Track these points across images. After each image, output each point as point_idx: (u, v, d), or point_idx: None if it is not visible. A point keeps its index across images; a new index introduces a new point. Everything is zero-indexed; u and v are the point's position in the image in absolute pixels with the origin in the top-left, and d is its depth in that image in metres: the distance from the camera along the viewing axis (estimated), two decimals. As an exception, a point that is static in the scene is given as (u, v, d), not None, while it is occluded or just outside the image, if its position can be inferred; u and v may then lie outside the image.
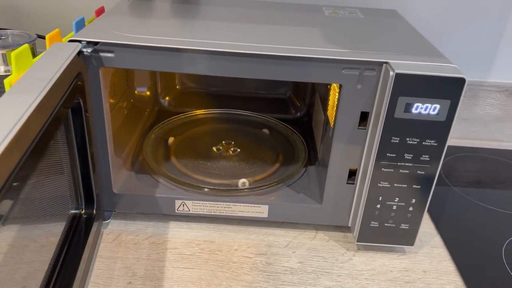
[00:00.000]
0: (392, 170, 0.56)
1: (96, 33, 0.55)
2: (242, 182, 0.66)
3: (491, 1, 0.83)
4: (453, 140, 0.91)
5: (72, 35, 0.56)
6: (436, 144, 0.54)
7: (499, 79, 0.90)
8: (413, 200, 0.58)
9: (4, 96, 0.39)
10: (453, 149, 0.88)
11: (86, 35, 0.53)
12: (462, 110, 0.91)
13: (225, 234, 0.64)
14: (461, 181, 0.80)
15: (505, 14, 0.84)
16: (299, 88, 0.89)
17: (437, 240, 0.66)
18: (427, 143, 0.54)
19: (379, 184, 0.57)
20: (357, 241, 0.61)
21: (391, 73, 0.50)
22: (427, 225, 0.69)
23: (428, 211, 0.71)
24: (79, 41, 0.52)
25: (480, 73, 0.89)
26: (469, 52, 0.87)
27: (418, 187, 0.57)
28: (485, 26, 0.85)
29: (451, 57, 0.88)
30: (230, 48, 0.52)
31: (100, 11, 0.67)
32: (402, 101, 0.51)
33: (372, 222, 0.60)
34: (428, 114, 0.52)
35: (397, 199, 0.58)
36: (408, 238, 0.61)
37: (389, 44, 0.58)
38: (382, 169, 0.56)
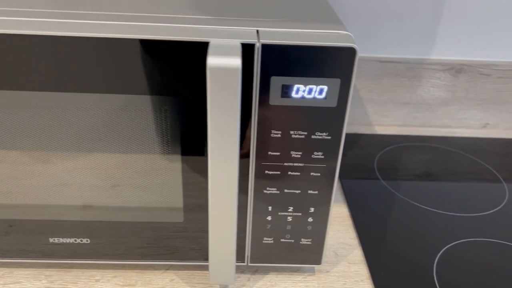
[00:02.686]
0: (279, 172, 0.43)
1: None
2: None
3: (428, -37, 0.70)
4: (393, 128, 0.79)
5: None
6: (329, 137, 0.41)
7: (443, 56, 0.77)
8: (311, 209, 0.45)
9: None
10: (392, 138, 0.76)
11: None
12: (403, 93, 0.79)
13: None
14: (397, 178, 0.67)
15: (444, -21, 0.72)
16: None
17: (357, 254, 0.53)
18: (317, 137, 0.41)
19: (265, 191, 0.44)
20: (249, 263, 0.48)
21: (257, 44, 0.37)
22: (347, 234, 0.56)
23: (352, 216, 0.59)
24: None
25: (421, 49, 0.77)
26: (407, 25, 0.75)
27: (315, 192, 0.44)
28: (422, -6, 0.73)
29: (386, 32, 0.76)
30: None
31: None
32: (276, 82, 0.38)
33: (264, 239, 0.47)
34: (314, 98, 0.39)
35: (291, 208, 0.45)
36: (313, 255, 0.48)
37: (269, 8, 0.44)
38: (266, 171, 0.43)
